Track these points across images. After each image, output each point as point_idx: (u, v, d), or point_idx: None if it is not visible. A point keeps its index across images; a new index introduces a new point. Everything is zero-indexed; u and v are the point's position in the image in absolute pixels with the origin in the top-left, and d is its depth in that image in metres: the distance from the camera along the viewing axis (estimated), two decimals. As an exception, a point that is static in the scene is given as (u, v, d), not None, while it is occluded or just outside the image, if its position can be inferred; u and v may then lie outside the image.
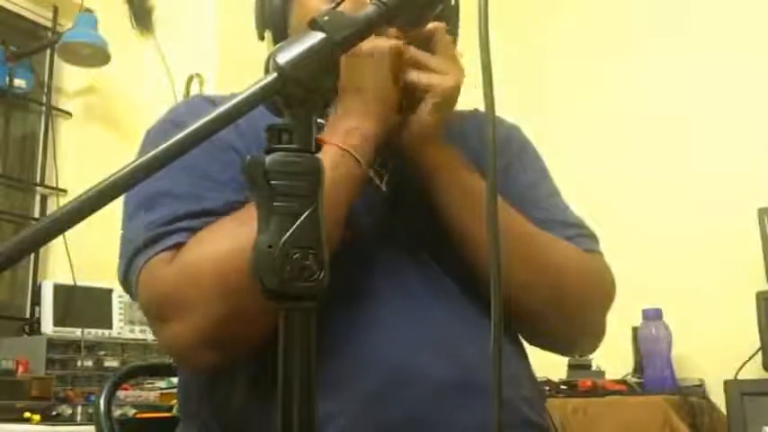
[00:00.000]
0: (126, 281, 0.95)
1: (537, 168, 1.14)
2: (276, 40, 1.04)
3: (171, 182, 0.93)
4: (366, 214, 0.98)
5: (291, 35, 0.92)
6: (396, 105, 0.93)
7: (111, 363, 2.62)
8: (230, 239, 0.84)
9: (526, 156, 1.14)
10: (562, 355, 1.12)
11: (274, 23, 1.05)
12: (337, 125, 0.91)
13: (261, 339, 0.83)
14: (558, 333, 1.03)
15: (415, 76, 0.93)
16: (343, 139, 0.89)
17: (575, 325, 1.02)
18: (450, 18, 1.03)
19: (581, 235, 1.06)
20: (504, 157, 1.08)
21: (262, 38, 1.09)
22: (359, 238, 0.95)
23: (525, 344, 1.06)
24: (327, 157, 0.86)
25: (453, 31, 1.03)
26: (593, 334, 1.05)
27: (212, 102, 1.00)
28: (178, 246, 0.90)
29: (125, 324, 2.80)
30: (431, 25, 0.94)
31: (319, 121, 0.99)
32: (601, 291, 1.03)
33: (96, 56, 2.88)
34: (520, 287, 0.94)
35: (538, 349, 1.07)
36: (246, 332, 0.85)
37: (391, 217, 1.00)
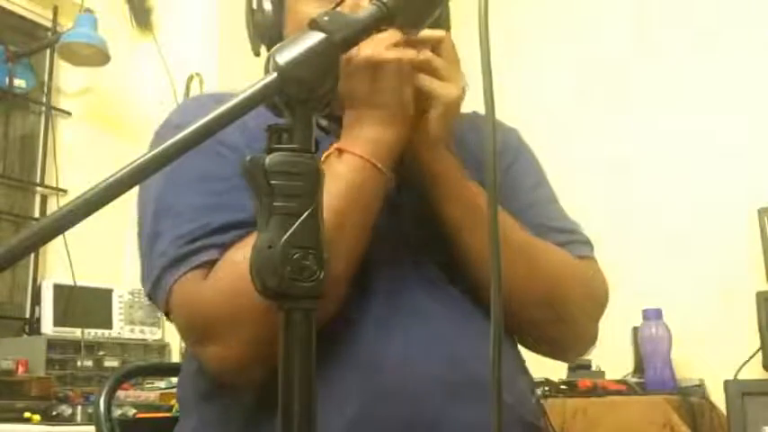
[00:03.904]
0: (154, 297, 0.94)
1: (533, 172, 1.14)
2: None
3: (197, 192, 0.92)
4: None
5: None
6: (411, 113, 0.91)
7: (111, 363, 2.63)
8: None
9: (524, 159, 1.14)
10: (556, 359, 1.13)
11: (270, 37, 1.04)
12: (358, 134, 0.89)
13: None
14: (551, 339, 1.04)
15: (426, 81, 0.91)
16: (365, 149, 0.88)
17: (568, 332, 1.03)
18: (445, 23, 1.02)
19: (574, 241, 1.07)
20: (502, 161, 1.08)
21: (257, 54, 1.07)
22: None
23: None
24: (350, 167, 0.86)
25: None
26: (586, 340, 1.06)
27: (218, 100, 1.00)
28: (209, 263, 0.88)
29: (125, 324, 2.80)
30: (437, 33, 0.93)
31: (321, 122, 0.99)
32: (593, 297, 1.04)
33: (96, 56, 2.88)
34: (515, 295, 0.93)
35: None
36: None
37: (397, 221, 0.99)
